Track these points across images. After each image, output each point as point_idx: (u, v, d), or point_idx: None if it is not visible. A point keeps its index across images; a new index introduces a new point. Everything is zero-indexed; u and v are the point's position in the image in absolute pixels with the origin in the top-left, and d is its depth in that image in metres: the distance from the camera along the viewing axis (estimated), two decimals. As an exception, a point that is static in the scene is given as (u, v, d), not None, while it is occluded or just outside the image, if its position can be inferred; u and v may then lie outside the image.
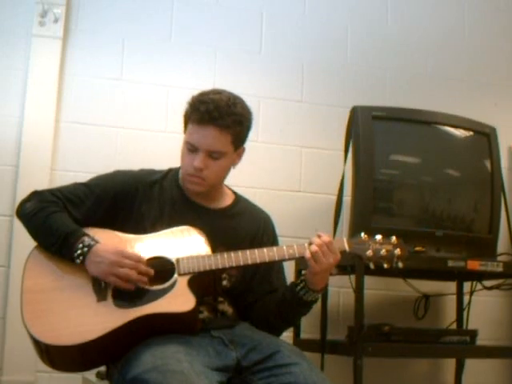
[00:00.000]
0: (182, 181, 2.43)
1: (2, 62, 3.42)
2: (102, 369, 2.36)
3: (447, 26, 4.05)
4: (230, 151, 2.35)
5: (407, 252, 2.32)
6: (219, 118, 2.27)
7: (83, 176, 2.50)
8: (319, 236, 2.24)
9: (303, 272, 2.37)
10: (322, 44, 3.85)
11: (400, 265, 2.31)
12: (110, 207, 2.35)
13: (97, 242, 2.21)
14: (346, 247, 2.29)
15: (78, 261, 2.18)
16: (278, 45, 3.78)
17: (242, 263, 2.23)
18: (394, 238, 2.32)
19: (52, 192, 2.35)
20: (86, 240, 2.20)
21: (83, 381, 2.83)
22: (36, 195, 2.35)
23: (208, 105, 2.27)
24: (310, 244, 2.23)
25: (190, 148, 2.33)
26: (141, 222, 2.33)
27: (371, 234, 2.34)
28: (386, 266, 2.30)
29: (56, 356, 2.13)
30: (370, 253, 2.29)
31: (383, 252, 2.29)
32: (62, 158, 3.40)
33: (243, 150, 2.44)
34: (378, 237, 2.32)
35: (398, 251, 2.30)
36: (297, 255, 2.26)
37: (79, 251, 2.18)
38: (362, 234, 2.33)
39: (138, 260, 2.17)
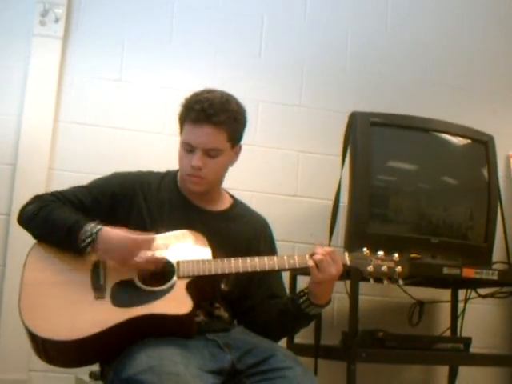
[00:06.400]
0: (181, 182, 2.44)
1: (2, 60, 3.41)
2: (96, 368, 2.36)
3: (446, 34, 4.06)
4: (226, 148, 2.37)
5: (408, 270, 2.31)
6: (214, 115, 2.29)
7: (81, 176, 2.51)
8: (322, 246, 2.25)
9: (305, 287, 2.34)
10: (322, 49, 3.85)
11: (400, 282, 2.30)
12: (108, 209, 2.36)
13: (101, 227, 2.20)
14: (347, 261, 2.28)
15: (87, 250, 2.18)
16: (278, 49, 3.78)
17: (241, 270, 2.23)
18: (396, 255, 2.31)
19: (52, 194, 2.37)
20: (89, 228, 2.19)
21: (76, 381, 2.82)
22: (36, 198, 2.36)
23: (202, 103, 2.30)
24: (312, 255, 2.22)
25: (187, 148, 2.34)
26: (141, 224, 2.33)
27: (371, 245, 2.33)
28: (386, 282, 2.30)
29: (51, 351, 2.13)
30: (370, 268, 2.28)
31: (384, 268, 2.28)
32: (60, 157, 3.40)
33: (240, 148, 2.46)
34: (380, 253, 2.31)
35: (399, 269, 2.29)
36: (297, 266, 2.25)
37: (88, 239, 2.18)
38: (364, 249, 2.32)
39: (149, 243, 2.20)
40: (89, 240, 2.18)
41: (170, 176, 2.49)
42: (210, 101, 2.31)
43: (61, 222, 2.23)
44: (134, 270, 2.19)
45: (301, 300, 2.30)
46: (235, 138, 2.40)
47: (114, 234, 2.20)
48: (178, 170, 2.48)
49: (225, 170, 2.44)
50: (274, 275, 2.45)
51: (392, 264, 2.30)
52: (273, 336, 2.37)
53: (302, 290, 2.33)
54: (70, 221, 2.22)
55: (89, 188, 2.40)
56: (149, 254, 2.19)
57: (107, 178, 2.45)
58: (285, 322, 2.37)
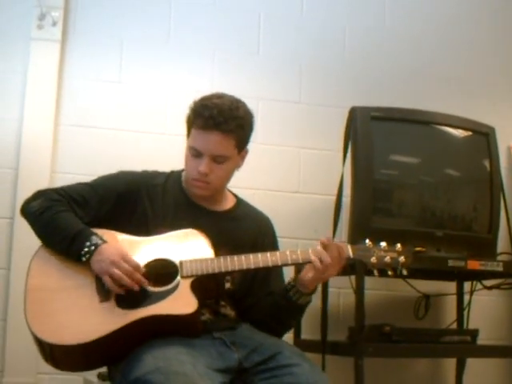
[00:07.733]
0: (186, 184, 2.44)
1: (1, 65, 3.41)
2: (104, 370, 2.36)
3: (444, 26, 4.05)
4: (233, 155, 2.36)
5: (412, 260, 2.31)
6: (223, 122, 2.27)
7: (82, 178, 2.50)
8: (327, 245, 2.25)
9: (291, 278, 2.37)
10: (320, 45, 3.84)
11: (404, 272, 2.31)
12: (112, 207, 2.35)
13: (104, 241, 2.20)
14: (350, 253, 2.29)
15: (84, 258, 2.17)
16: (276, 46, 3.78)
17: (244, 267, 2.23)
18: (398, 246, 2.32)
19: (57, 191, 2.35)
20: (94, 239, 2.19)
21: (84, 382, 2.83)
22: (42, 194, 2.34)
23: (212, 110, 2.28)
24: (315, 253, 2.23)
25: (194, 153, 2.33)
26: (144, 224, 2.33)
27: (375, 240, 2.33)
28: (390, 273, 2.31)
29: (59, 355, 2.13)
30: (374, 260, 2.29)
31: (387, 259, 2.29)
32: (61, 160, 3.40)
33: (246, 152, 2.45)
34: (383, 244, 2.32)
35: (402, 259, 2.30)
36: (300, 261, 2.26)
37: (86, 249, 2.17)
38: (367, 241, 2.32)
39: (136, 267, 2.16)
40: (87, 250, 2.17)
41: (175, 176, 2.49)
42: (219, 107, 2.28)
43: (65, 228, 2.22)
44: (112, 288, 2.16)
45: (290, 292, 2.31)
46: (242, 145, 2.40)
47: (108, 247, 2.18)
48: (182, 170, 2.48)
49: (231, 175, 2.44)
50: (274, 274, 2.45)
51: (395, 254, 2.31)
52: (272, 331, 2.37)
53: (289, 283, 2.34)
54: (74, 230, 2.21)
55: (94, 187, 2.39)
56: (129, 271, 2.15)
57: (113, 176, 2.44)
58: (278, 315, 2.37)
